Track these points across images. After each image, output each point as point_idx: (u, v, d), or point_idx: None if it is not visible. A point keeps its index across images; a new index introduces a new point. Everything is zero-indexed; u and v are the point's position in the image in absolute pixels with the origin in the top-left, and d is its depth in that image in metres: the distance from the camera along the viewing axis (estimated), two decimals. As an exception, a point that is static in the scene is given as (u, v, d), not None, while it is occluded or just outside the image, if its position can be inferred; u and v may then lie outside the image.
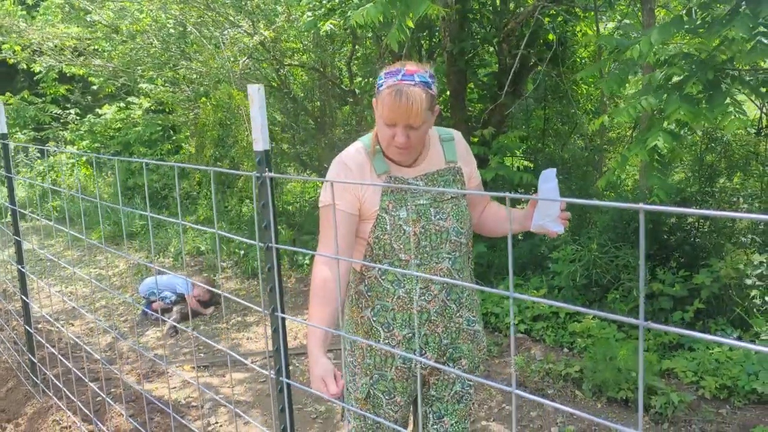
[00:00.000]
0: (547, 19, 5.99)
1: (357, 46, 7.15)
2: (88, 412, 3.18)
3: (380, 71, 1.89)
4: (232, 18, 5.64)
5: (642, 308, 0.81)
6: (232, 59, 5.52)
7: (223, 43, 5.28)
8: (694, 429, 3.15)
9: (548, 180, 1.76)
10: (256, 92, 1.54)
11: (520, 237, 5.49)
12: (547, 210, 1.83)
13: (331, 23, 5.32)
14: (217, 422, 3.56)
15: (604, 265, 4.24)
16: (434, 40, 6.86)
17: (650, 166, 3.61)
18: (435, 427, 2.09)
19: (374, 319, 1.98)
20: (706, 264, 4.13)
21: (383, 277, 1.95)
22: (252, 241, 1.59)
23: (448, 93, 6.60)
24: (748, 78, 3.67)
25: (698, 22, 3.44)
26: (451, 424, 2.12)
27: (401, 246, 1.91)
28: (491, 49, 6.82)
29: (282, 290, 1.63)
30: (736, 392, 3.32)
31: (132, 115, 10.73)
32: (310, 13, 5.69)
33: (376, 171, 1.92)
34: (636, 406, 3.36)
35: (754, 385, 3.23)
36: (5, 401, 3.80)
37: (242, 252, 6.61)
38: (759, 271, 3.93)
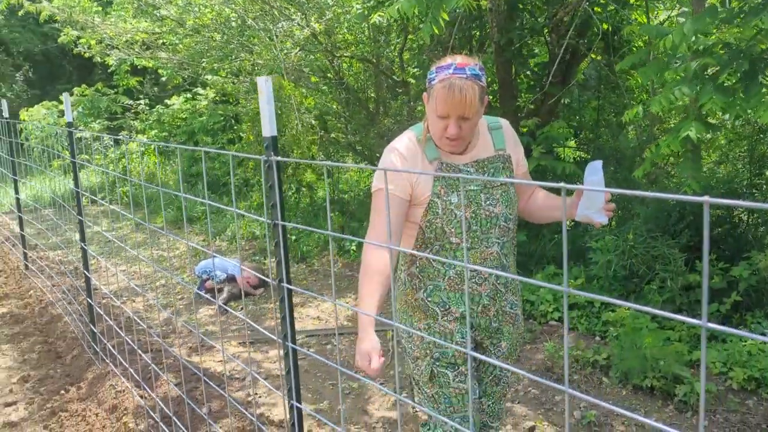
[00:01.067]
0: (597, 8, 5.95)
1: (408, 37, 7.27)
2: (140, 380, 3.47)
3: (431, 65, 1.95)
4: (284, 11, 5.86)
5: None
6: (285, 51, 5.75)
7: (276, 35, 5.50)
8: (718, 419, 3.17)
9: (595, 171, 1.78)
10: (264, 84, 1.71)
11: (561, 225, 5.51)
12: (592, 201, 1.86)
13: (379, 15, 5.46)
14: (257, 393, 3.79)
15: (641, 255, 4.24)
16: (485, 30, 6.90)
17: (686, 156, 3.60)
18: (474, 406, 2.13)
19: (429, 299, 2.02)
20: (748, 257, 4.08)
21: (434, 259, 1.99)
22: (261, 218, 1.76)
23: (496, 84, 6.65)
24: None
25: (735, 12, 3.41)
26: (489, 405, 2.21)
27: (452, 230, 1.95)
28: (541, 39, 6.81)
29: (288, 263, 1.80)
30: (764, 384, 3.30)
31: (197, 106, 11.21)
32: (359, 6, 5.85)
33: (427, 157, 1.97)
34: (660, 394, 3.38)
35: (783, 377, 3.21)
36: (70, 367, 4.16)
37: (293, 237, 6.86)
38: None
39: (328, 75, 7.32)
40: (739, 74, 3.40)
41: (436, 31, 3.60)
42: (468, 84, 1.83)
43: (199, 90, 11.26)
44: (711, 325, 0.78)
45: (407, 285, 2.08)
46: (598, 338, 4.11)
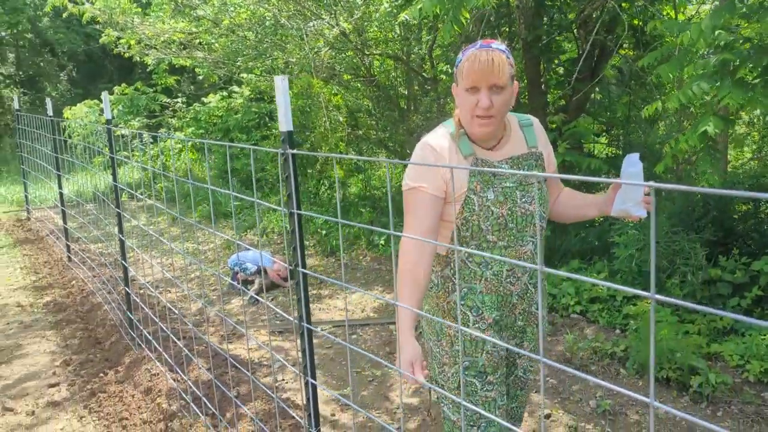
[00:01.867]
0: (625, 4, 5.95)
1: (438, 35, 7.36)
2: (173, 364, 3.65)
3: (459, 53, 1.91)
4: (314, 10, 6.01)
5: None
6: (315, 50, 5.90)
7: (306, 34, 5.66)
8: (733, 410, 3.20)
9: (633, 164, 1.75)
10: (280, 82, 1.84)
11: (595, 222, 5.55)
12: (630, 194, 1.82)
13: (406, 14, 5.58)
14: (283, 379, 3.95)
15: (663, 250, 4.27)
16: (513, 27, 6.95)
17: (704, 150, 3.63)
18: (499, 411, 2.09)
19: (462, 303, 1.96)
20: (771, 252, 4.08)
21: (470, 260, 1.94)
22: (278, 207, 1.90)
23: (525, 80, 6.70)
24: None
25: (755, 7, 3.42)
26: (512, 408, 2.19)
27: (489, 227, 1.89)
28: (570, 35, 6.83)
29: (303, 249, 1.94)
30: (781, 377, 3.32)
31: (233, 104, 11.48)
32: (387, 5, 5.98)
33: (462, 153, 1.91)
34: (676, 385, 3.43)
35: (799, 370, 3.23)
36: (109, 352, 4.38)
37: (324, 232, 7.03)
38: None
39: (360, 73, 7.46)
40: (759, 69, 3.41)
41: (458, 30, 3.70)
42: (496, 53, 1.79)
43: (235, 88, 11.53)
44: (659, 296, 0.83)
45: (440, 287, 2.02)
46: (618, 331, 4.16)
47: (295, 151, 1.84)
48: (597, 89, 7.18)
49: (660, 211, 5.04)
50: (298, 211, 1.88)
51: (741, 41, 3.63)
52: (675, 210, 4.62)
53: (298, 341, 2.01)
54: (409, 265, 1.83)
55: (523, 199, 1.92)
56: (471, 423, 2.00)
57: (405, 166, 1.76)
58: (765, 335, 3.59)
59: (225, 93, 11.78)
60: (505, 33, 7.06)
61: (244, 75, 9.63)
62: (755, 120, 5.41)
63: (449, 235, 1.95)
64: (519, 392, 2.17)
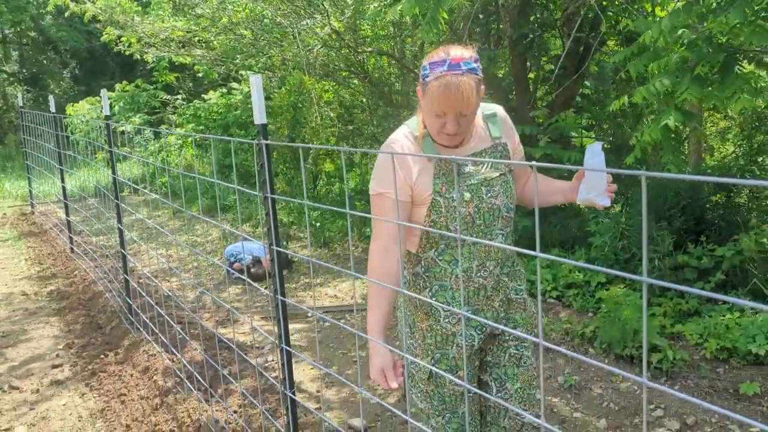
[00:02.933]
0: (605, 2, 6.17)
1: (418, 35, 7.59)
2: (168, 344, 3.89)
3: (425, 60, 1.87)
4: (307, 9, 6.24)
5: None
6: (308, 48, 6.13)
7: (299, 32, 5.88)
8: (689, 384, 3.43)
9: (595, 154, 1.74)
10: (255, 81, 2.08)
11: (577, 212, 5.76)
12: (593, 183, 1.83)
13: (391, 13, 5.80)
14: (273, 360, 4.19)
15: (633, 237, 4.50)
16: (500, 25, 7.16)
17: (665, 142, 3.84)
18: (499, 395, 2.09)
19: (434, 299, 1.97)
20: (736, 239, 4.30)
21: (440, 258, 1.97)
22: (254, 192, 2.13)
23: (512, 77, 6.92)
24: (765, 58, 3.81)
25: (711, 7, 3.63)
26: (516, 389, 2.08)
27: (457, 227, 1.92)
28: (556, 33, 7.05)
29: (277, 229, 2.17)
30: (735, 354, 3.55)
31: (232, 100, 11.71)
32: (376, 4, 6.20)
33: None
34: (638, 362, 3.66)
35: (751, 347, 3.45)
36: (109, 336, 4.62)
37: (318, 224, 7.26)
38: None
39: (354, 70, 7.69)
40: (714, 66, 3.63)
41: (435, 31, 3.92)
42: (464, 80, 1.77)
43: (234, 85, 11.77)
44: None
45: (411, 284, 2.05)
46: (591, 314, 4.39)
47: (268, 141, 2.07)
48: (587, 84, 7.41)
49: (635, 201, 5.27)
50: (272, 195, 2.11)
51: (702, 39, 3.85)
52: (648, 200, 4.84)
53: (274, 311, 2.24)
54: (375, 274, 1.88)
55: (489, 194, 1.94)
56: (437, 413, 2.05)
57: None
58: (724, 316, 3.82)
59: (224, 90, 12.02)
60: (493, 30, 7.28)
61: (243, 72, 9.87)
62: (736, 115, 5.62)
63: (420, 234, 1.98)
64: (517, 369, 2.08)
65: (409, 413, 1.47)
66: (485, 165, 1.96)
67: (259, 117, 2.06)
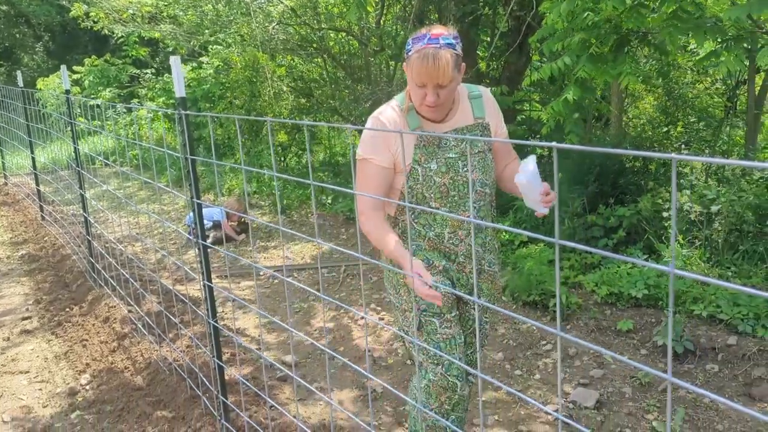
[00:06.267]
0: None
1: (385, 11, 7.97)
2: (125, 296, 4.33)
3: (409, 38, 2.03)
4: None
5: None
6: (261, 25, 6.50)
7: (253, 11, 6.25)
8: (579, 323, 3.95)
9: (526, 169, 1.84)
10: (174, 62, 2.50)
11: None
12: (529, 194, 1.91)
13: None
14: (223, 311, 4.65)
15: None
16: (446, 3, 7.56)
17: (567, 114, 4.30)
18: (459, 348, 2.22)
19: (415, 257, 2.12)
20: (637, 201, 4.82)
21: (416, 221, 2.14)
22: (177, 154, 2.56)
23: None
24: (651, 39, 4.27)
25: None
26: (468, 353, 2.35)
27: (432, 195, 2.07)
28: (500, 10, 7.46)
29: (198, 183, 2.61)
30: (621, 298, 4.07)
31: (202, 74, 12.00)
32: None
33: (409, 126, 2.07)
34: (540, 307, 4.18)
35: (632, 291, 3.98)
36: (75, 293, 5.05)
37: (278, 193, 7.69)
38: (677, 205, 4.59)
39: (315, 46, 8.07)
40: (608, 46, 4.09)
41: (361, 14, 4.33)
42: (442, 53, 1.89)
43: (205, 59, 12.05)
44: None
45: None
46: (509, 268, 4.89)
47: (186, 112, 2.50)
48: (526, 61, 7.84)
49: (560, 168, 5.75)
50: (192, 156, 2.54)
51: (603, 22, 4.30)
52: (569, 167, 5.33)
53: (196, 254, 2.69)
54: (371, 226, 2.05)
55: (465, 169, 2.06)
56: (435, 362, 2.17)
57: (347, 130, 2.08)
58: (619, 267, 4.33)
59: (195, 64, 12.29)
60: (436, 9, 7.68)
61: (212, 47, 10.17)
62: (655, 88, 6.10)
63: (398, 199, 2.13)
64: (475, 340, 2.33)
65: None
66: (465, 141, 2.07)
67: (179, 91, 2.49)
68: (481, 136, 2.06)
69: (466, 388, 2.21)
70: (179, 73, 2.47)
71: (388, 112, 2.10)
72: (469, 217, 2.05)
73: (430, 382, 2.18)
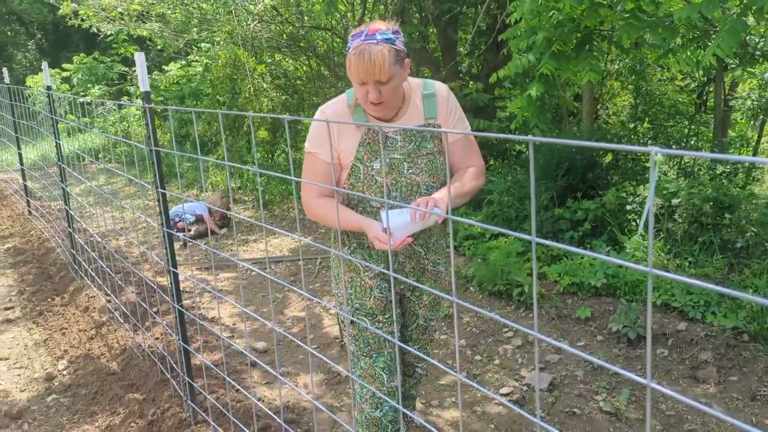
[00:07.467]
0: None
1: (366, 10, 8.10)
2: (103, 286, 4.46)
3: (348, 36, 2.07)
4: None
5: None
6: (245, 23, 6.63)
7: (233, 10, 6.38)
8: (542, 312, 4.10)
9: (394, 221, 1.89)
10: (139, 58, 2.63)
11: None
12: (402, 223, 1.92)
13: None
14: (201, 302, 4.79)
15: (516, 194, 5.14)
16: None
17: (532, 109, 4.45)
18: (389, 347, 2.26)
19: (353, 255, 2.14)
20: (602, 195, 4.96)
21: None
22: (141, 145, 2.70)
23: (439, 51, 7.50)
24: (611, 37, 4.43)
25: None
26: (416, 349, 2.39)
27: (372, 194, 2.03)
28: (479, 9, 7.61)
29: (162, 173, 2.74)
30: (582, 288, 4.22)
31: (191, 72, 12.13)
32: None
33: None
34: (505, 297, 4.32)
35: (592, 281, 4.13)
36: (58, 284, 5.18)
37: (261, 189, 7.83)
38: (639, 199, 4.74)
39: (300, 44, 8.20)
40: (571, 44, 4.24)
41: (332, 12, 4.46)
42: (378, 49, 1.86)
43: (194, 57, 12.18)
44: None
45: (335, 240, 2.28)
46: (480, 260, 5.04)
47: (151, 105, 2.64)
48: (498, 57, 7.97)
49: (523, 162, 5.90)
50: (156, 148, 2.68)
51: (567, 20, 4.45)
52: (539, 161, 5.48)
53: (163, 242, 2.83)
54: (324, 209, 2.05)
55: (410, 170, 2.03)
56: (364, 354, 2.22)
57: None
58: (581, 260, 4.48)
59: (185, 62, 12.41)
60: (417, 8, 7.82)
61: (200, 45, 10.30)
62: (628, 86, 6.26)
63: (342, 195, 2.13)
64: (422, 336, 2.38)
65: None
66: (413, 142, 2.05)
67: (143, 86, 2.62)
68: (430, 137, 2.04)
69: (394, 381, 2.24)
70: (143, 69, 2.60)
71: (335, 107, 2.09)
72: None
73: (361, 370, 2.25)
